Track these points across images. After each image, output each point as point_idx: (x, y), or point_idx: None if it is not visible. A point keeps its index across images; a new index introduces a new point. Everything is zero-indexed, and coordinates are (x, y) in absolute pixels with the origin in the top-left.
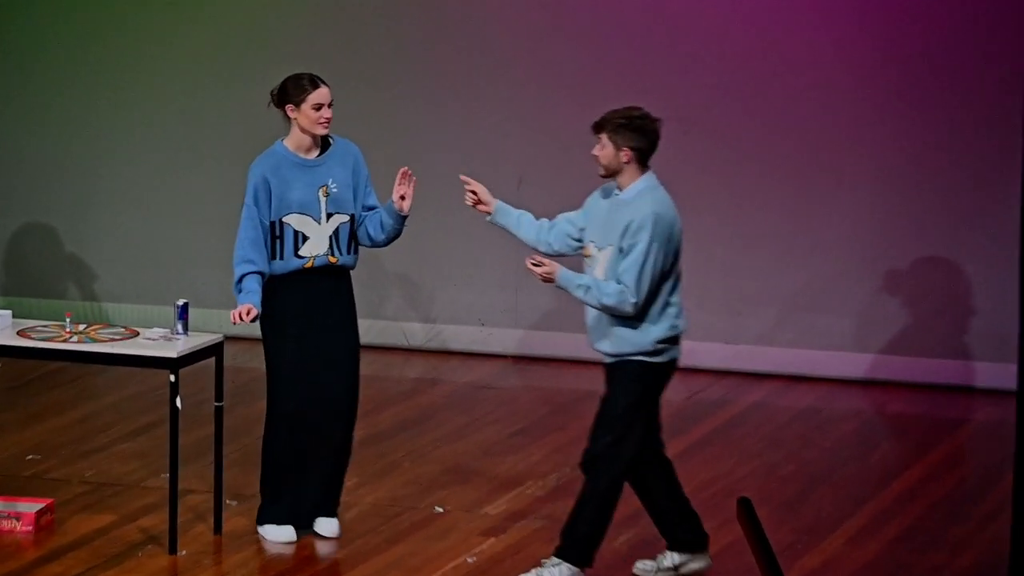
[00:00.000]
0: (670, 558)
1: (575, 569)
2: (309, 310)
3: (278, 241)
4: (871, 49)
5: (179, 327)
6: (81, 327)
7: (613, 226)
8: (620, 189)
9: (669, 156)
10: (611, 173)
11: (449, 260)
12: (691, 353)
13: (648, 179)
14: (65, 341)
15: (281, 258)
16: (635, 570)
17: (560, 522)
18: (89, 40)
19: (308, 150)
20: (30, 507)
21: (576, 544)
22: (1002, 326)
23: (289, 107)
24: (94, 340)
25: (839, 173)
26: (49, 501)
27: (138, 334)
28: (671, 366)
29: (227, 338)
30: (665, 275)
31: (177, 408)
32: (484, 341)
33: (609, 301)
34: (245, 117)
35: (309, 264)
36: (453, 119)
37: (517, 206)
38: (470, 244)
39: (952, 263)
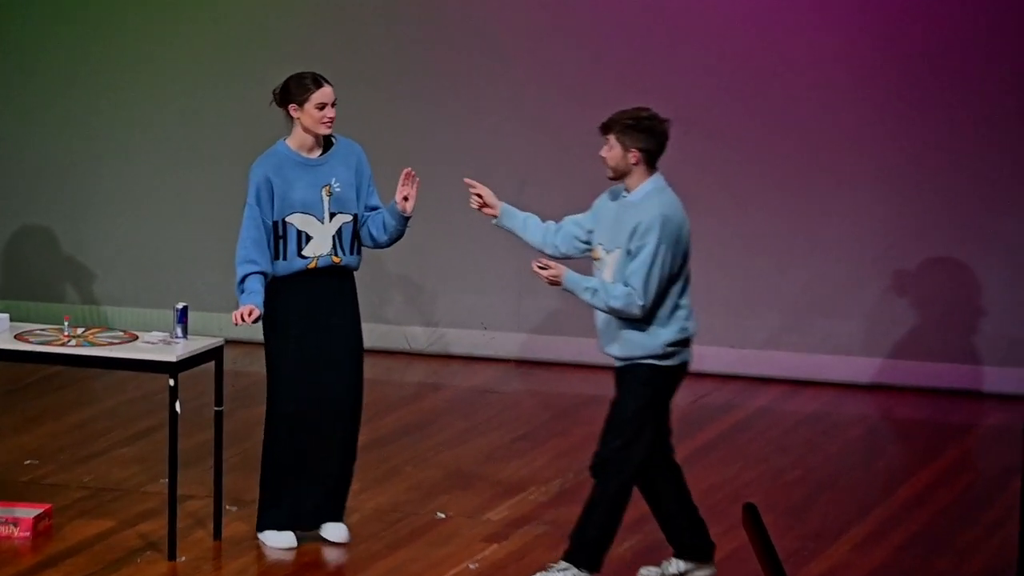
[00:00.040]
0: (675, 565)
1: (583, 573)
2: (312, 311)
3: (281, 241)
4: (871, 49)
5: (178, 331)
6: (80, 331)
7: (621, 228)
8: (628, 191)
9: (669, 156)
10: (619, 175)
11: (451, 263)
12: (696, 357)
13: (656, 180)
14: (63, 345)
15: (285, 258)
16: None
17: (563, 528)
18: (89, 40)
19: (311, 150)
20: (28, 512)
21: (585, 548)
22: (1009, 329)
23: (292, 106)
24: (92, 344)
25: (839, 173)
26: (47, 506)
27: (137, 338)
28: (681, 369)
29: (227, 342)
30: (674, 278)
31: (176, 412)
32: (487, 345)
33: (616, 304)
34: (245, 117)
35: (313, 264)
36: (453, 119)
37: (518, 207)
38: (472, 247)
39: (955, 264)
